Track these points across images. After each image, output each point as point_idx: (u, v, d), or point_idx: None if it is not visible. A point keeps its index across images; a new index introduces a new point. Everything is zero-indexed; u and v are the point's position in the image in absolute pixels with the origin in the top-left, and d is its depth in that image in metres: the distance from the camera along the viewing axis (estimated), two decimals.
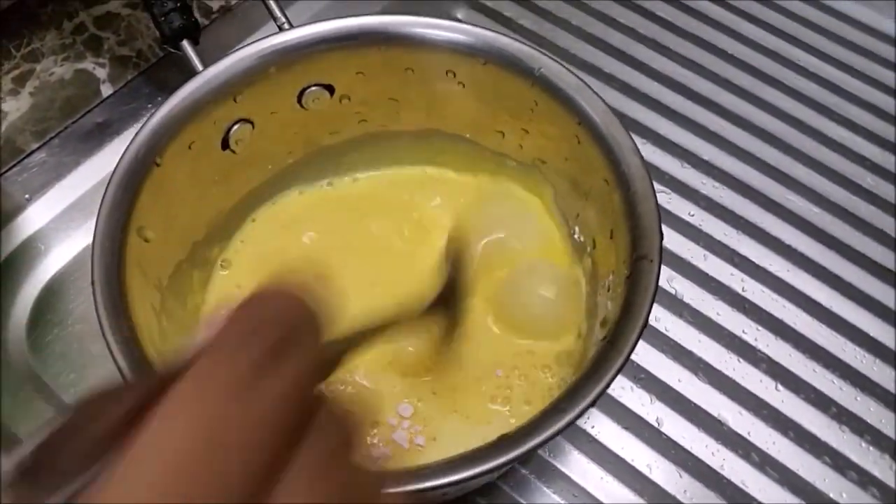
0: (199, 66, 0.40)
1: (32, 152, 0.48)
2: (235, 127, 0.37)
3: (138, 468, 0.14)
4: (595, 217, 0.37)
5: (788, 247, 0.45)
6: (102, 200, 0.33)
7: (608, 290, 0.34)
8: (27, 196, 0.46)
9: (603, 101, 0.35)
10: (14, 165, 0.48)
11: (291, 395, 0.16)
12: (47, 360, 0.41)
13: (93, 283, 0.30)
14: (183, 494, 0.14)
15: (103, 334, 0.29)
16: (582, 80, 0.36)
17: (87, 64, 0.51)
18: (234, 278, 0.40)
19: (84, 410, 0.15)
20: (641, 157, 0.34)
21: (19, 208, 0.46)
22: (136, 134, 0.34)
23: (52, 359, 0.41)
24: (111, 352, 0.29)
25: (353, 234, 0.41)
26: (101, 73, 0.51)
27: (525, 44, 0.37)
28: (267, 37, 0.36)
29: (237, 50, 0.36)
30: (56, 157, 0.48)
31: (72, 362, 0.41)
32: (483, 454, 0.27)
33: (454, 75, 0.38)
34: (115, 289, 0.30)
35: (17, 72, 0.51)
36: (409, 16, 0.36)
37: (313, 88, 0.38)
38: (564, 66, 0.36)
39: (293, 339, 0.17)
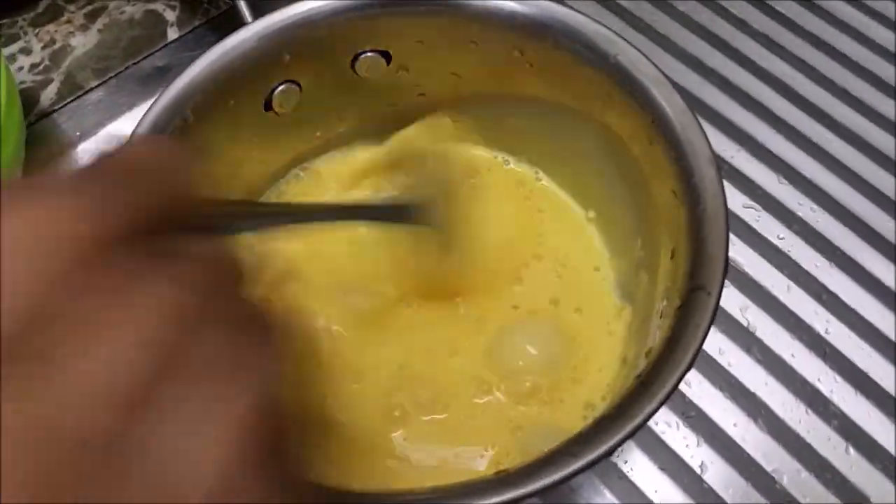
0: (249, 18, 0.37)
1: (91, 90, 0.47)
2: (281, 88, 0.34)
3: None
4: (656, 232, 0.32)
5: (888, 289, 0.39)
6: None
7: (660, 317, 0.29)
8: (78, 133, 0.45)
9: (682, 99, 0.30)
10: (71, 101, 0.47)
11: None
12: None
13: None
14: None
15: None
16: (663, 73, 0.31)
17: (158, 5, 0.50)
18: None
19: None
20: (718, 171, 0.29)
21: (69, 146, 0.45)
22: (167, 87, 0.31)
23: None
24: None
25: None
26: (171, 15, 0.49)
27: (603, 25, 0.32)
28: None
29: (289, 5, 0.33)
30: (112, 97, 0.47)
31: None
32: (482, 488, 0.24)
33: (521, 53, 0.34)
34: None
35: (90, 7, 0.50)
36: None
37: (368, 54, 0.35)
38: (644, 56, 0.31)
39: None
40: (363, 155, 0.39)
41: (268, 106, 0.34)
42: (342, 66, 0.34)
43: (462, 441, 0.32)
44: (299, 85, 0.34)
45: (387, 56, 0.35)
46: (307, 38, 0.32)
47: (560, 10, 0.32)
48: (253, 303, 0.16)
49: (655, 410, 0.24)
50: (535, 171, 0.39)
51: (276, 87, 0.34)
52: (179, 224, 0.16)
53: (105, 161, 0.16)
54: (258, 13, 0.35)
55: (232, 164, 0.34)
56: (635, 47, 0.31)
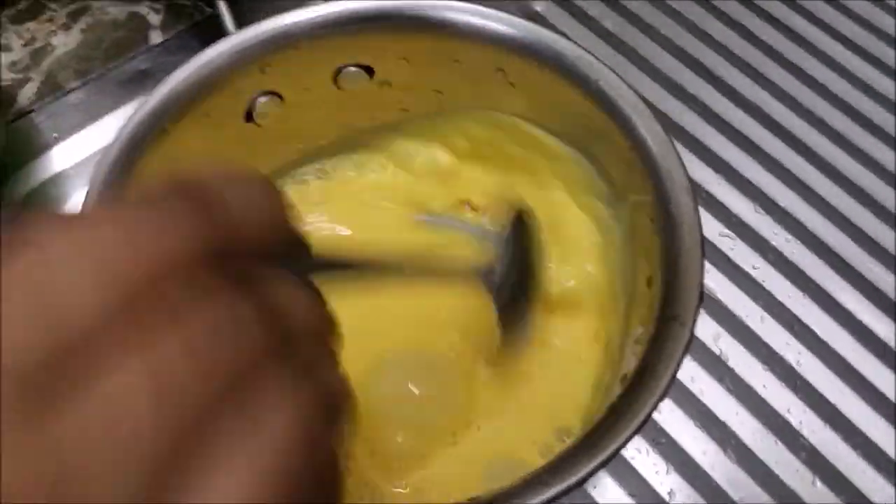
0: (232, 28, 0.37)
1: (71, 91, 0.46)
2: (262, 99, 0.34)
3: None
4: (634, 257, 0.32)
5: (861, 324, 0.39)
6: (101, 159, 0.30)
7: (635, 342, 0.29)
8: (55, 135, 0.45)
9: (662, 128, 0.30)
10: (51, 101, 0.46)
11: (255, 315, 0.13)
12: None
13: None
14: None
15: None
16: (644, 100, 0.31)
17: (143, 7, 0.49)
18: None
19: None
20: (695, 200, 0.29)
21: (47, 146, 0.45)
22: (146, 100, 0.31)
23: None
24: None
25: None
26: (155, 19, 0.49)
27: (586, 51, 0.32)
28: (306, 7, 0.33)
29: (273, 16, 0.33)
30: (93, 98, 0.46)
31: None
32: None
33: (504, 73, 0.34)
34: None
35: (73, 6, 0.49)
36: (456, 1, 0.32)
37: (351, 68, 0.35)
38: (625, 83, 0.31)
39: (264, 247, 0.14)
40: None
41: (249, 117, 0.33)
42: (324, 79, 0.34)
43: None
44: (281, 97, 0.34)
45: (370, 71, 0.34)
46: (289, 50, 0.32)
47: (543, 33, 0.32)
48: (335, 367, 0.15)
49: (627, 440, 0.24)
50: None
51: (257, 97, 0.33)
52: (265, 259, 0.15)
53: (192, 181, 0.14)
54: (241, 22, 0.35)
55: None
56: (617, 74, 0.31)
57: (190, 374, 0.12)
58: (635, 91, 0.31)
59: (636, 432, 0.24)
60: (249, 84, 0.33)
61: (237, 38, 0.31)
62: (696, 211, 0.28)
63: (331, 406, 0.14)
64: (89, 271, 0.11)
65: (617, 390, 0.28)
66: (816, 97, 0.47)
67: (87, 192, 0.29)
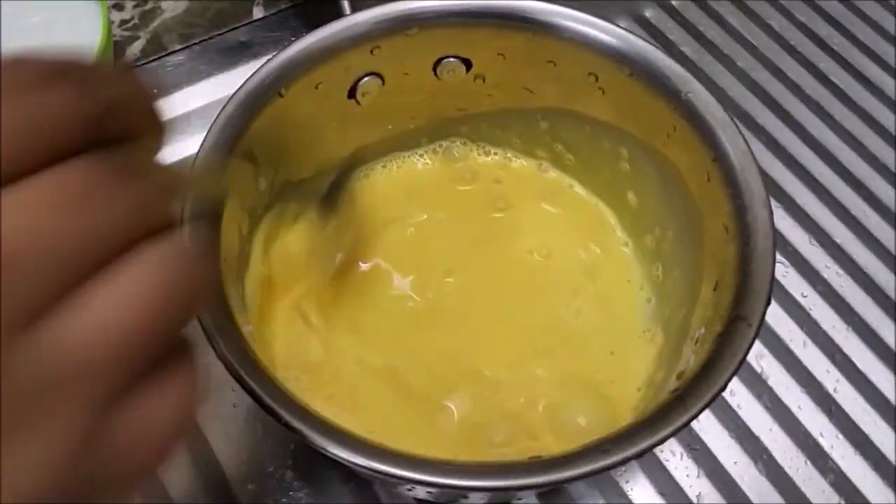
0: (348, 10, 0.40)
1: (173, 52, 0.49)
2: (366, 79, 0.36)
3: None
4: (701, 263, 0.34)
5: None
6: (219, 114, 0.32)
7: (696, 344, 0.31)
8: (155, 90, 0.48)
9: (746, 142, 0.32)
10: (154, 60, 0.49)
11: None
12: None
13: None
14: None
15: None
16: (730, 116, 0.33)
17: None
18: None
19: None
20: (771, 213, 0.31)
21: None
22: (269, 59, 0.33)
23: None
24: None
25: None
26: None
27: (678, 62, 0.34)
28: None
29: (386, 3, 0.35)
30: (193, 62, 0.49)
31: None
32: (516, 470, 0.25)
33: (596, 79, 0.36)
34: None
35: None
36: (565, 8, 0.34)
37: (451, 59, 0.37)
38: (713, 98, 0.33)
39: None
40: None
41: (351, 93, 0.36)
42: (425, 67, 0.37)
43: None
44: (382, 79, 0.36)
45: (468, 64, 0.37)
46: (400, 36, 0.35)
47: (640, 43, 0.34)
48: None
49: (689, 421, 0.26)
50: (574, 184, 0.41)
51: (362, 77, 0.36)
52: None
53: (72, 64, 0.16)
54: (356, 6, 0.37)
55: (308, 145, 0.36)
56: (705, 87, 0.33)
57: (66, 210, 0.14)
58: (722, 105, 0.33)
59: (697, 415, 0.26)
60: (358, 63, 0.35)
61: (354, 19, 0.34)
62: (772, 223, 0.30)
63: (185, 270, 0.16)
64: None
65: (673, 385, 0.30)
66: (881, 142, 0.49)
67: (204, 139, 0.31)
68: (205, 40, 0.50)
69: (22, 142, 0.14)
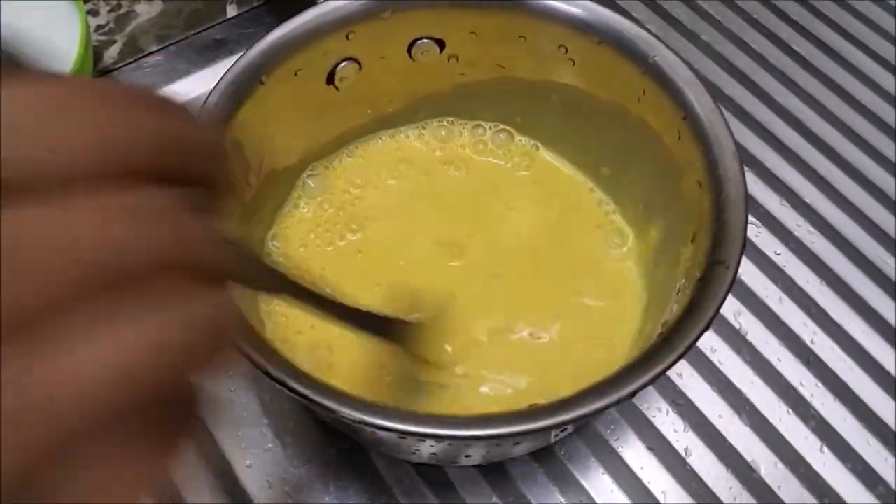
0: None
1: (150, 53, 0.50)
2: (343, 64, 0.37)
3: None
4: (679, 218, 0.35)
5: (872, 310, 0.42)
6: (204, 103, 0.33)
7: (677, 293, 0.33)
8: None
9: (714, 100, 0.34)
10: (131, 62, 0.50)
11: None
12: None
13: None
14: None
15: None
16: (696, 75, 0.34)
17: None
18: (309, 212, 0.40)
19: None
20: (741, 164, 0.32)
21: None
22: (248, 49, 0.34)
23: None
24: None
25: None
26: None
27: (644, 29, 0.35)
28: None
29: None
30: (171, 62, 0.50)
31: None
32: (515, 418, 0.26)
33: (566, 50, 0.37)
34: None
35: None
36: None
37: (424, 41, 0.38)
38: (680, 58, 0.35)
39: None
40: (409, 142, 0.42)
41: (330, 79, 0.37)
42: (400, 49, 0.38)
43: None
44: (360, 63, 0.37)
45: (441, 44, 0.38)
46: (374, 20, 0.36)
47: (606, 13, 0.35)
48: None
49: (678, 359, 0.27)
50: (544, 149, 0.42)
51: (339, 63, 0.37)
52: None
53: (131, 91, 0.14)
54: None
55: (291, 133, 0.38)
56: (673, 50, 0.35)
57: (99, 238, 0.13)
58: (689, 66, 0.34)
59: (684, 354, 0.27)
60: (335, 48, 0.36)
61: (330, 4, 0.35)
62: (742, 171, 0.31)
63: (207, 329, 0.14)
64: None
65: (657, 332, 0.31)
66: (844, 104, 0.50)
67: None
68: (181, 40, 0.51)
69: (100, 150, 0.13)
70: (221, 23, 0.52)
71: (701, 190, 0.32)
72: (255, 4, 0.52)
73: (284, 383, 0.26)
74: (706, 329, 0.28)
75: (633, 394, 0.26)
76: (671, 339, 0.27)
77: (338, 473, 0.37)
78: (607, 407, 0.26)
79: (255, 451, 0.37)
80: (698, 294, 0.29)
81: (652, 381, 0.26)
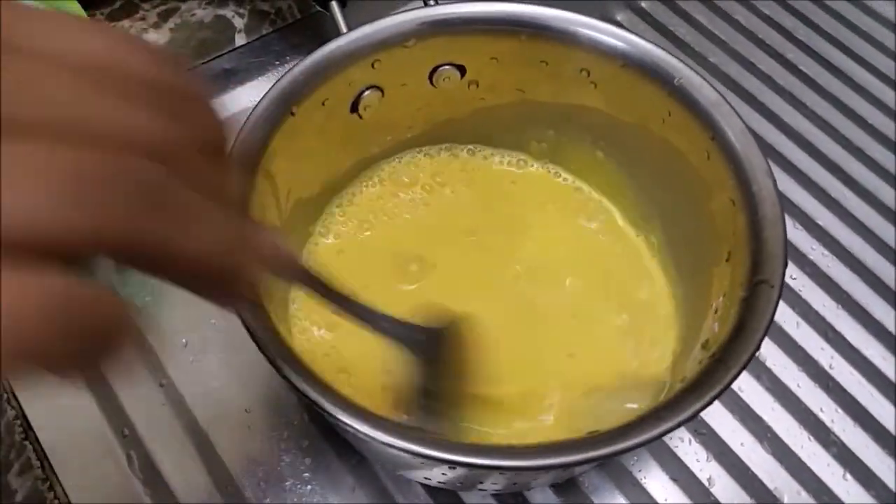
0: (344, 28, 0.41)
1: None
2: (367, 92, 0.37)
3: None
4: (709, 238, 0.35)
5: (890, 334, 0.43)
6: (238, 136, 0.33)
7: (716, 313, 0.33)
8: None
9: (741, 119, 0.34)
10: None
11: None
12: (127, 280, 0.42)
13: None
14: None
15: None
16: (722, 95, 0.34)
17: (228, 11, 0.53)
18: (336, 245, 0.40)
19: None
20: (774, 181, 0.32)
21: None
22: (278, 81, 0.34)
23: (131, 279, 0.42)
24: None
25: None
26: (239, 22, 0.53)
27: (666, 51, 0.36)
28: (412, 9, 0.36)
29: (382, 18, 0.36)
30: None
31: (151, 284, 0.42)
32: (555, 449, 0.26)
33: (588, 74, 0.37)
34: None
35: (163, 7, 0.53)
36: (556, 10, 0.36)
37: (446, 67, 0.38)
38: (705, 80, 0.35)
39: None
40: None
41: (354, 107, 0.37)
42: (421, 76, 0.38)
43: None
44: (382, 91, 0.37)
45: (462, 70, 0.38)
46: (399, 48, 0.36)
47: (629, 37, 0.35)
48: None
49: (732, 381, 0.27)
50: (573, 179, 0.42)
51: (363, 91, 0.37)
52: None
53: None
54: (350, 24, 0.38)
55: (315, 162, 0.37)
56: (697, 72, 0.35)
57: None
58: (715, 88, 0.34)
59: (738, 375, 0.27)
60: (360, 77, 0.36)
61: (356, 34, 0.35)
62: (776, 188, 0.31)
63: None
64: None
65: (699, 355, 0.31)
66: (854, 126, 0.51)
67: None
68: (190, 69, 0.51)
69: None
70: (230, 52, 0.51)
71: (734, 208, 0.32)
72: (264, 33, 0.52)
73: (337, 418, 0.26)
74: (758, 348, 0.28)
75: (695, 415, 0.26)
76: (725, 360, 0.28)
77: (346, 486, 0.37)
78: (678, 426, 0.26)
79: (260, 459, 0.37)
80: (745, 314, 0.29)
81: (712, 401, 0.27)
